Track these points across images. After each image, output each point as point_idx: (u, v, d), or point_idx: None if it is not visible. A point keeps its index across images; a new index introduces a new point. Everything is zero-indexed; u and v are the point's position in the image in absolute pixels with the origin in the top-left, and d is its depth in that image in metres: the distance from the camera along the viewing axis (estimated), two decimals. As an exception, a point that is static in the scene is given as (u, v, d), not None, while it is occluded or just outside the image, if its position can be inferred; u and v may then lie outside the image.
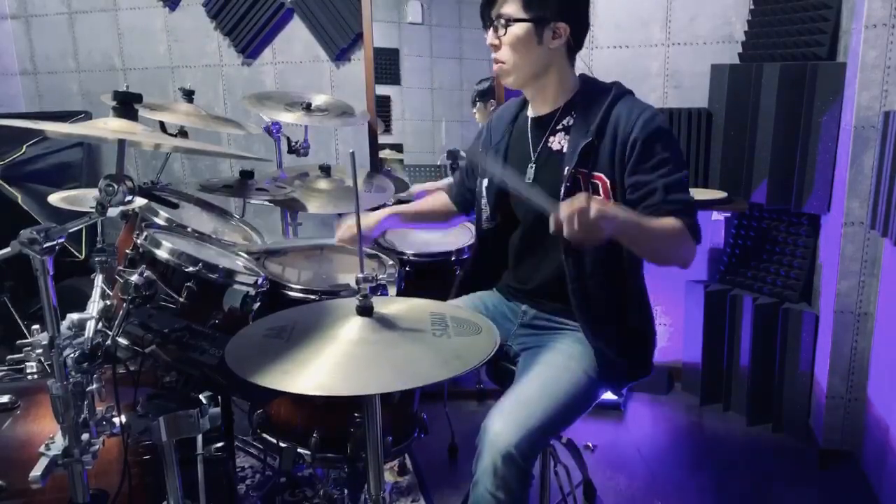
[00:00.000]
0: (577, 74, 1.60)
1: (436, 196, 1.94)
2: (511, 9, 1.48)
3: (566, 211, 1.25)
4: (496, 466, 1.34)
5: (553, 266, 1.57)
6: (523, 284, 1.68)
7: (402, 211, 1.88)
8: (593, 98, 1.54)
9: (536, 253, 1.63)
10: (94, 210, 1.27)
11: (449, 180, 1.96)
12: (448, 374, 1.06)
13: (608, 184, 1.49)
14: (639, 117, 1.46)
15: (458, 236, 2.47)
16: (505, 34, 1.49)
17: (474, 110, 3.07)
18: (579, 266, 1.52)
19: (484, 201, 1.70)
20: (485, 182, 1.70)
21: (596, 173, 1.49)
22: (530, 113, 1.65)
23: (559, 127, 1.57)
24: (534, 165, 1.59)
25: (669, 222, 1.42)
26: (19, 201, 2.96)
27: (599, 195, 1.49)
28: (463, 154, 3.14)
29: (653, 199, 1.44)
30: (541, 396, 1.43)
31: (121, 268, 1.65)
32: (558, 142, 1.57)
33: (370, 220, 1.80)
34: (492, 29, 1.52)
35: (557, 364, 1.51)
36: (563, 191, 1.50)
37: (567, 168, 1.50)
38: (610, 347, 1.54)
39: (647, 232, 1.39)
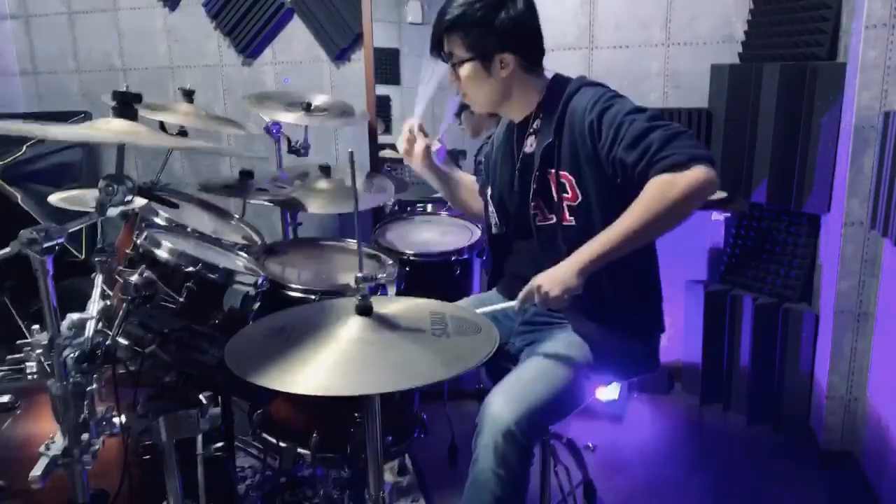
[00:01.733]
0: (551, 76, 1.62)
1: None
2: (455, 48, 1.53)
3: (523, 300, 1.44)
4: (497, 444, 1.35)
5: (537, 265, 1.57)
6: (515, 286, 1.69)
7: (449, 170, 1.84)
8: (556, 97, 1.55)
9: (523, 254, 1.66)
10: (94, 210, 1.27)
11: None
12: (448, 374, 1.06)
13: (573, 181, 1.50)
14: (588, 103, 1.47)
15: (457, 236, 2.48)
16: (458, 71, 1.55)
17: (460, 124, 3.04)
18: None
19: (491, 208, 1.72)
20: (488, 191, 1.73)
21: (562, 172, 1.51)
22: (514, 119, 1.68)
23: (531, 130, 1.61)
24: (517, 171, 1.63)
25: (650, 190, 1.32)
26: (19, 201, 2.96)
27: (567, 193, 1.51)
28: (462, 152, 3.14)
29: (628, 171, 1.39)
30: (541, 377, 1.46)
31: (121, 268, 1.65)
32: (529, 144, 1.60)
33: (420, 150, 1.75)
34: (450, 66, 1.56)
35: (557, 351, 1.54)
36: (531, 193, 1.53)
37: (535, 169, 1.53)
38: (613, 340, 1.55)
39: (624, 237, 1.34)
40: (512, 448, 1.35)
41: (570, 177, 1.50)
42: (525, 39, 1.54)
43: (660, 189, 1.32)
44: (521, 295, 1.45)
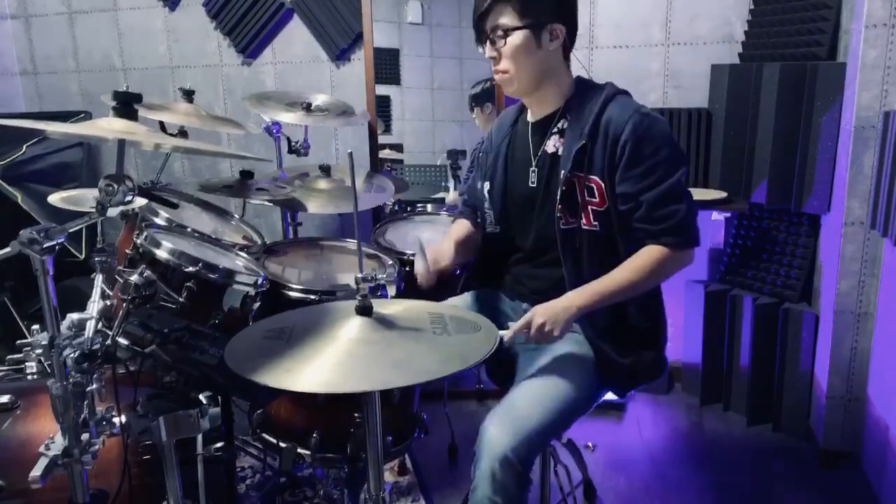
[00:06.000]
0: (574, 77, 1.61)
1: (459, 223, 1.81)
2: (507, 19, 1.48)
3: (516, 331, 1.40)
4: (494, 471, 1.33)
5: (553, 267, 1.57)
6: (524, 285, 1.69)
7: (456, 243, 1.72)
8: (586, 100, 1.54)
9: (537, 255, 1.64)
10: (94, 210, 1.27)
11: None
12: (451, 370, 1.07)
13: (603, 187, 1.50)
14: (629, 119, 1.46)
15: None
16: (504, 45, 1.50)
17: (473, 115, 3.07)
18: (578, 269, 1.53)
19: (487, 205, 1.70)
20: (486, 186, 1.70)
21: (591, 177, 1.50)
22: (529, 117, 1.66)
23: (555, 130, 1.58)
24: (535, 170, 1.60)
25: (645, 256, 1.48)
26: (19, 201, 2.96)
27: (595, 198, 1.50)
28: (464, 152, 3.15)
29: (639, 215, 1.48)
30: (539, 401, 1.43)
31: (121, 268, 1.65)
32: (553, 144, 1.58)
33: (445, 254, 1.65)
34: (489, 42, 1.52)
35: (556, 367, 1.51)
36: (559, 194, 1.51)
37: (563, 171, 1.51)
38: (611, 349, 1.54)
39: (618, 292, 1.47)
40: (509, 475, 1.33)
41: (600, 182, 1.49)
42: (574, 11, 1.56)
43: (663, 260, 1.48)
44: (516, 326, 1.42)
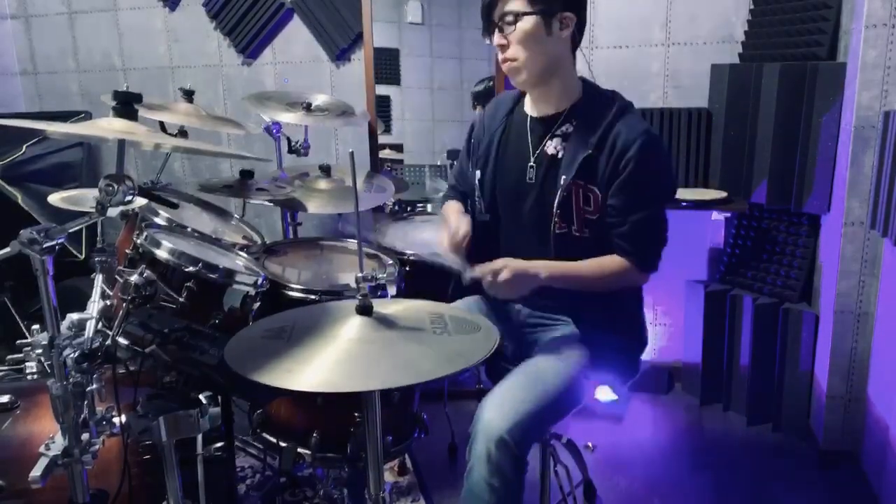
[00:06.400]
0: (578, 77, 1.60)
1: (452, 202, 1.80)
2: (516, 4, 1.47)
3: (481, 271, 1.42)
4: (490, 453, 1.34)
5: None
6: None
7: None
8: (595, 109, 1.54)
9: (528, 250, 1.63)
10: (94, 210, 1.27)
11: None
12: (452, 370, 1.07)
13: (601, 197, 1.51)
14: (638, 137, 1.47)
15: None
16: (514, 31, 1.48)
17: (475, 112, 3.07)
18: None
19: (478, 193, 1.69)
20: (478, 174, 1.69)
21: (591, 186, 1.51)
22: (530, 111, 1.64)
23: (558, 132, 1.57)
24: (533, 167, 1.59)
25: (612, 263, 1.53)
26: (19, 201, 2.96)
27: (590, 207, 1.52)
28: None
29: (621, 231, 1.51)
30: (533, 384, 1.44)
31: (121, 268, 1.65)
32: (554, 147, 1.57)
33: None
34: (497, 30, 1.51)
35: (550, 355, 1.53)
36: (557, 199, 1.52)
37: (564, 177, 1.52)
38: (605, 343, 1.56)
39: (578, 280, 1.53)
40: (505, 457, 1.33)
41: (599, 193, 1.50)
42: (583, 4, 1.54)
43: (624, 273, 1.53)
44: (483, 269, 1.44)
